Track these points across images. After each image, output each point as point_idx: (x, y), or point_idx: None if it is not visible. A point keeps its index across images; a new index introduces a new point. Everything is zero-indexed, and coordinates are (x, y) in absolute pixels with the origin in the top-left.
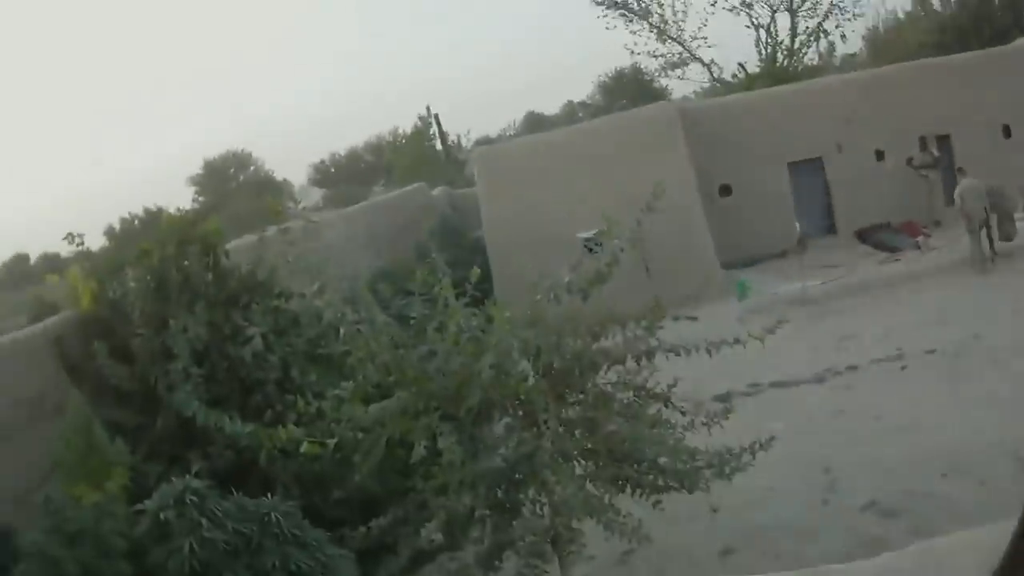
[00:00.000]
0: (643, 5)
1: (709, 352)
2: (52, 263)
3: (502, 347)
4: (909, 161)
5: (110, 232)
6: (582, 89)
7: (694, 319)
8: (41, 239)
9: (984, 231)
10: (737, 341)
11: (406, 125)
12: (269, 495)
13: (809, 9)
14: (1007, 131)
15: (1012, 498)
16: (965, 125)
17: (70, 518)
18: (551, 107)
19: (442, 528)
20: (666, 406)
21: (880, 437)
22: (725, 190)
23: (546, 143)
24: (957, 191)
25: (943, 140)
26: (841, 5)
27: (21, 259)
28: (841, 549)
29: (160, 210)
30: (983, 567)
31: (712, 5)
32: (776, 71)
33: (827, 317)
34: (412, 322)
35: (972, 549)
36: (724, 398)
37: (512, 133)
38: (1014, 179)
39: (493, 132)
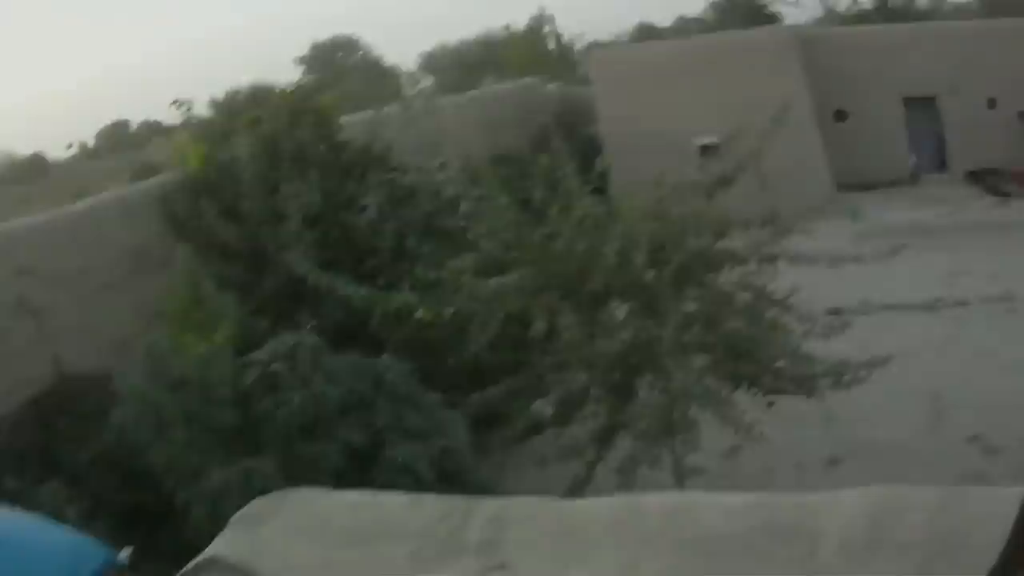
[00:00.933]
0: None
1: (830, 265)
2: (154, 130)
3: (627, 235)
4: (1021, 115)
5: (214, 103)
6: (695, 5)
7: (806, 233)
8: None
9: None
10: (858, 258)
11: (519, 22)
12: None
13: None
14: None
15: None
16: None
17: (174, 364)
18: (663, 19)
19: (557, 404)
20: (785, 312)
21: (989, 373)
22: (840, 115)
23: (662, 51)
24: None
25: None
26: None
27: (122, 125)
28: (944, 478)
29: (268, 86)
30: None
31: None
32: (888, 10)
33: (938, 250)
34: (532, 204)
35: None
36: (836, 312)
37: (624, 41)
38: None
39: (604, 38)
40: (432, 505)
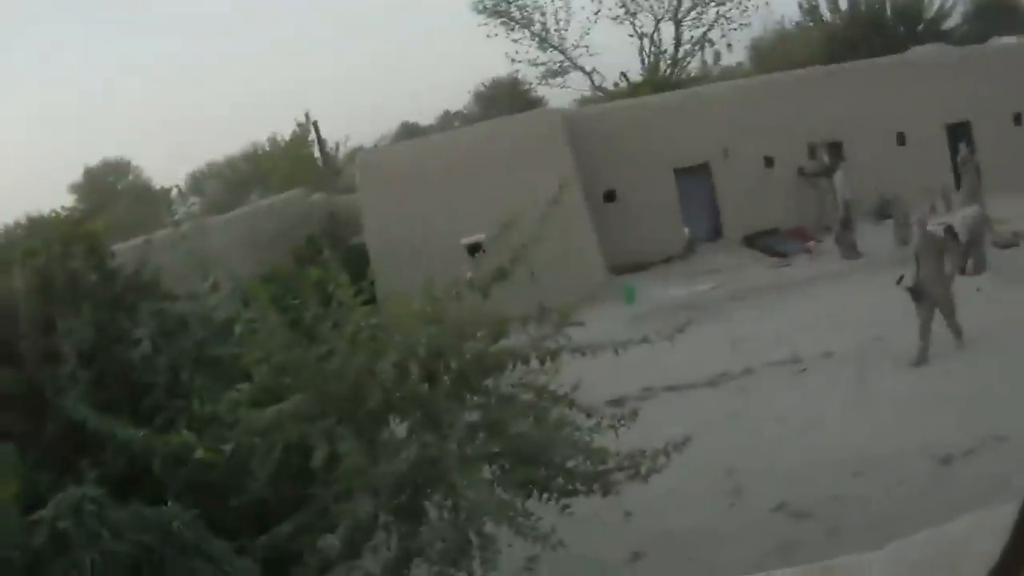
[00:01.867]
0: (525, 14)
1: (616, 351)
2: None
3: (405, 345)
4: (801, 170)
5: None
6: (458, 100)
7: (580, 324)
8: None
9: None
10: (645, 340)
11: (284, 132)
12: (165, 504)
13: (694, 19)
14: (901, 139)
15: (932, 496)
16: (858, 132)
17: None
18: (426, 118)
19: (345, 536)
20: (570, 408)
21: (783, 440)
22: (610, 196)
23: (428, 147)
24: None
25: (835, 147)
26: (727, 15)
27: None
28: (756, 552)
29: (43, 216)
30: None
31: (595, 14)
32: (659, 80)
33: (717, 321)
34: (304, 322)
35: (988, 530)
36: (618, 402)
37: (388, 143)
38: (910, 185)
39: (369, 142)
40: None
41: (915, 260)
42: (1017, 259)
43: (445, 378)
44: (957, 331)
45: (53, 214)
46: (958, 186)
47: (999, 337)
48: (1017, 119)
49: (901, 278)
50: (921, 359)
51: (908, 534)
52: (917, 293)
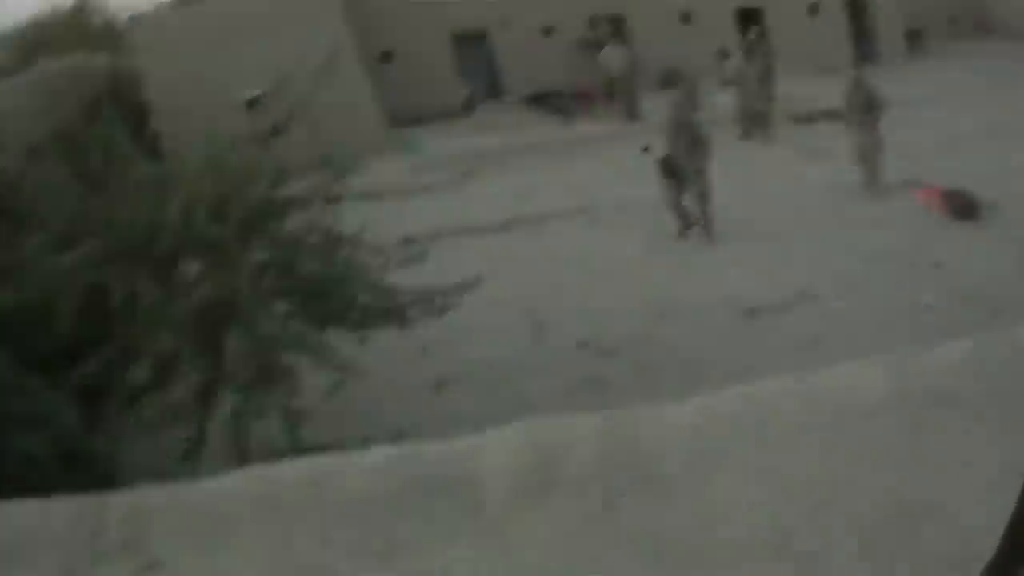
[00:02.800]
0: None
1: (399, 198)
2: None
3: (189, 192)
4: (581, 41)
5: None
6: None
7: (361, 170)
8: None
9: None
10: (426, 188)
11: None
12: None
13: None
14: (686, 18)
15: (739, 346)
16: (641, 8)
17: None
18: None
19: (151, 368)
20: (356, 248)
21: (582, 282)
22: (386, 57)
23: (205, 11)
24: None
25: (617, 21)
26: None
27: None
28: (563, 384)
29: None
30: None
31: None
32: None
33: (505, 174)
34: (92, 176)
35: (797, 396)
36: (409, 241)
37: (167, 7)
38: (693, 62)
39: (148, 7)
40: (63, 510)
41: (671, 132)
42: (816, 135)
43: (231, 221)
44: (710, 221)
45: None
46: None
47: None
48: (813, 9)
49: (646, 148)
50: (682, 234)
51: (715, 378)
52: (667, 168)
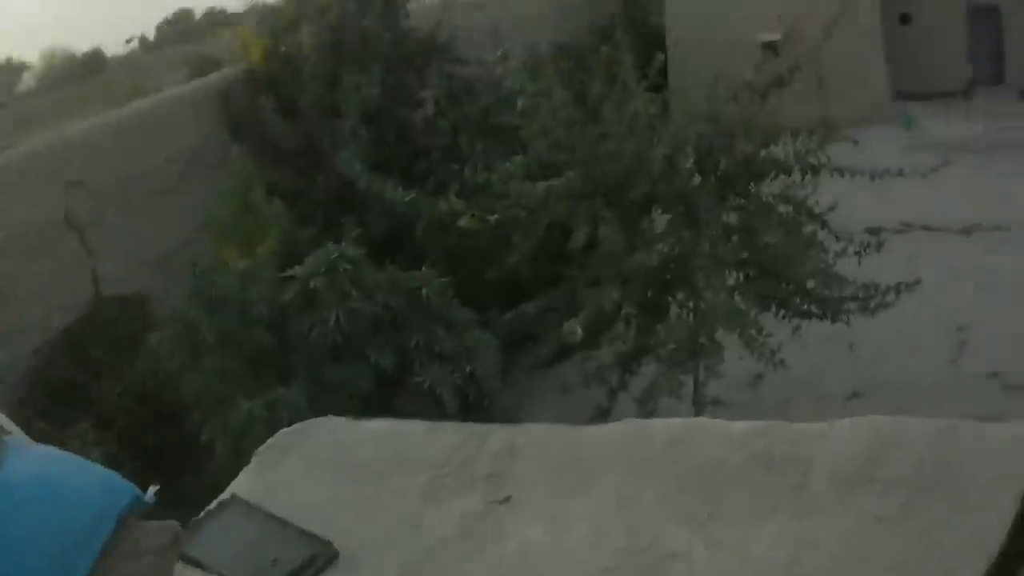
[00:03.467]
0: None
1: (872, 178)
2: (219, 19)
3: (677, 138)
4: None
5: None
6: None
7: (855, 142)
8: None
9: None
10: (901, 172)
11: None
12: (422, 268)
13: None
14: None
15: None
16: None
17: (215, 283)
18: None
19: (587, 323)
20: (822, 227)
21: (1017, 306)
22: (905, 19)
23: None
24: None
25: None
26: None
27: (185, 15)
28: (963, 415)
29: None
30: None
31: None
32: None
33: (983, 169)
34: (589, 100)
35: None
36: (875, 232)
37: None
38: None
39: None
40: (448, 435)
41: None
42: None
43: (712, 176)
44: None
45: None
46: None
47: None
48: None
49: None
50: None
51: None
52: None
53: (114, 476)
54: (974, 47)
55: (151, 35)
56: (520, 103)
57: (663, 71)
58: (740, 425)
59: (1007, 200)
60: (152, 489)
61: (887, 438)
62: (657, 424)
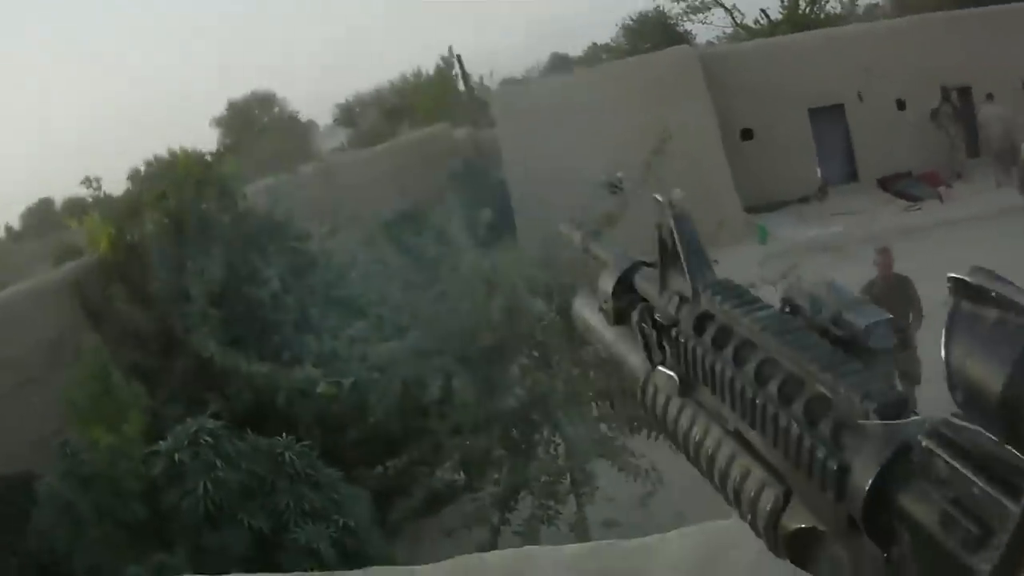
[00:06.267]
0: None
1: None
2: (77, 207)
3: (513, 288)
4: (934, 113)
5: (135, 176)
6: (606, 32)
7: (715, 261)
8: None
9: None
10: (751, 285)
11: (428, 67)
12: (288, 436)
13: None
14: None
15: None
16: (987, 78)
17: (85, 461)
18: (575, 49)
19: (457, 469)
20: None
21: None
22: (746, 134)
23: (567, 84)
24: (980, 117)
25: (964, 92)
26: None
27: (46, 204)
28: None
29: (176, 155)
30: None
31: None
32: (798, 18)
33: (848, 264)
34: (424, 263)
35: None
36: None
37: (537, 74)
38: None
39: (518, 73)
40: None
41: None
42: None
43: (557, 317)
44: None
45: (183, 155)
46: None
47: None
48: None
49: None
50: None
51: None
52: None
53: None
54: (823, 148)
55: (16, 224)
56: (354, 274)
57: (505, 223)
58: (572, 548)
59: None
60: None
61: (719, 542)
62: (491, 557)
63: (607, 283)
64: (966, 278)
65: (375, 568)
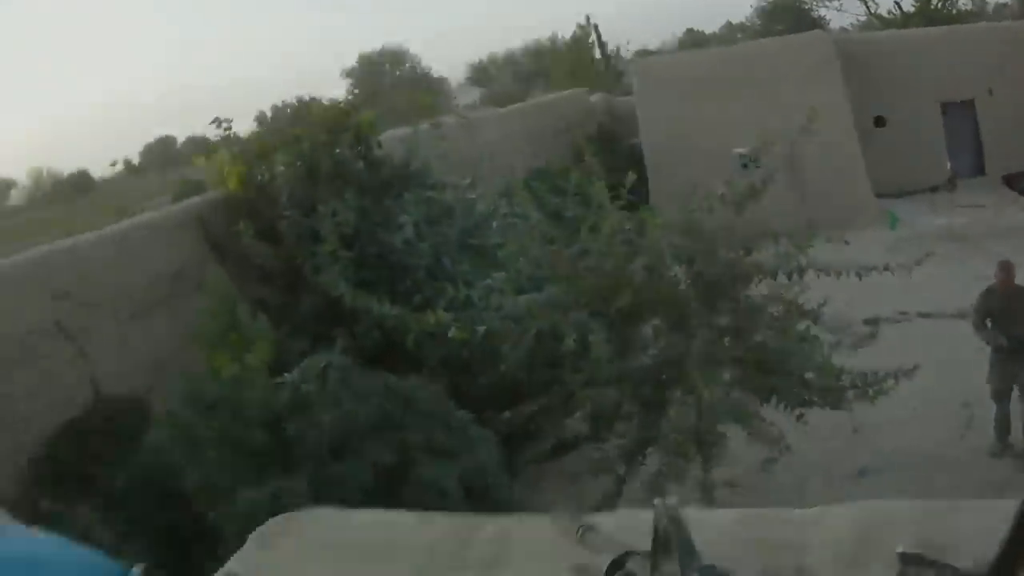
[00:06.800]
0: None
1: (859, 275)
2: (199, 146)
3: (655, 251)
4: None
5: (261, 119)
6: (740, 11)
7: (846, 243)
8: (190, 122)
9: None
10: (887, 268)
11: (565, 32)
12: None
13: None
14: None
15: None
16: None
17: (208, 387)
18: (710, 26)
19: (588, 420)
20: (814, 323)
21: None
22: (879, 121)
23: (704, 59)
24: None
25: None
26: None
27: (167, 142)
28: (970, 486)
29: (313, 100)
30: None
31: None
32: (931, 12)
33: (974, 255)
34: (564, 220)
35: None
36: (872, 322)
37: (671, 48)
38: None
39: (652, 46)
40: (441, 522)
41: None
42: None
43: (693, 284)
44: None
45: (320, 104)
46: None
47: None
48: None
49: None
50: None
51: None
52: None
53: (98, 555)
54: (952, 141)
55: (135, 160)
56: (495, 225)
57: (642, 189)
58: (732, 513)
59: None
60: (138, 567)
61: (879, 520)
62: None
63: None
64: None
65: (528, 516)
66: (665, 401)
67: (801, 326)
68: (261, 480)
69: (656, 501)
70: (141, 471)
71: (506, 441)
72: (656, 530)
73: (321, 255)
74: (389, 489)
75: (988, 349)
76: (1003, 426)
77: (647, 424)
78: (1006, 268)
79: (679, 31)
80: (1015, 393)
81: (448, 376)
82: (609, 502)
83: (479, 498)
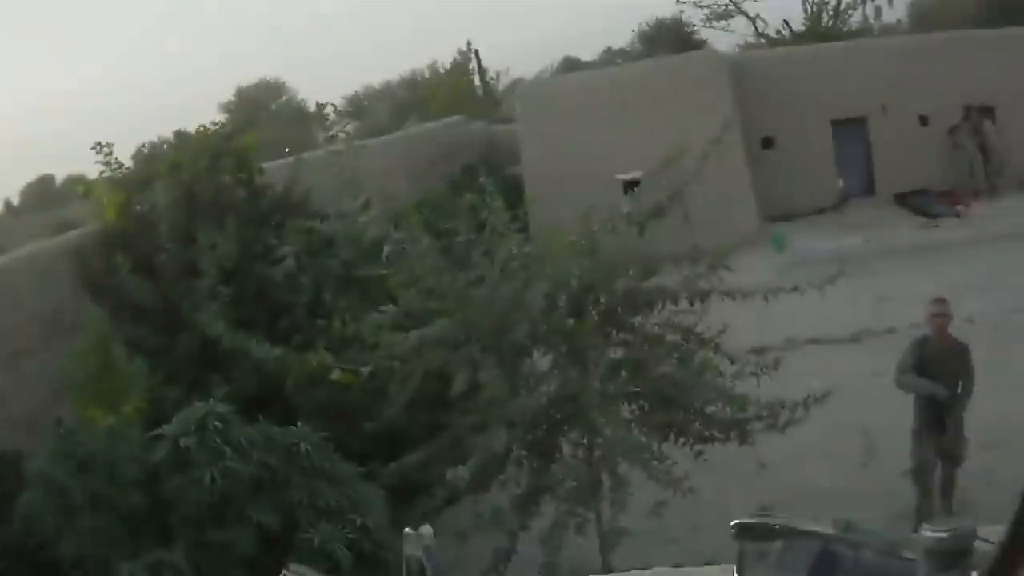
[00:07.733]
0: None
1: (765, 298)
2: (80, 184)
3: (556, 277)
4: (951, 130)
5: (139, 154)
6: (620, 37)
7: (730, 269)
8: (68, 161)
9: None
10: (795, 288)
11: (444, 60)
12: (295, 425)
13: None
14: None
15: None
16: (1012, 99)
17: (80, 442)
18: (588, 54)
19: (477, 468)
20: (714, 352)
21: None
22: (767, 143)
23: (589, 82)
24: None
25: (986, 112)
26: None
27: (46, 180)
28: (881, 517)
29: (191, 132)
30: None
31: None
32: (820, 31)
33: (864, 278)
34: (456, 247)
35: None
36: (760, 351)
37: (549, 76)
38: None
39: (530, 74)
40: None
41: None
42: None
43: (593, 312)
44: None
45: (202, 129)
46: None
47: None
48: None
49: None
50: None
51: None
52: None
53: None
54: (843, 160)
55: (15, 200)
56: (385, 252)
57: (525, 216)
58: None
59: (891, 303)
60: None
61: None
62: None
63: None
64: (749, 521)
65: None
66: (558, 445)
67: (700, 356)
68: (138, 548)
69: (407, 531)
70: (15, 540)
71: (393, 493)
72: (408, 564)
73: (199, 291)
74: (274, 555)
75: (884, 371)
76: (924, 512)
77: (539, 470)
78: (941, 305)
79: (556, 60)
80: (938, 469)
81: (329, 424)
82: (503, 559)
83: (368, 561)
